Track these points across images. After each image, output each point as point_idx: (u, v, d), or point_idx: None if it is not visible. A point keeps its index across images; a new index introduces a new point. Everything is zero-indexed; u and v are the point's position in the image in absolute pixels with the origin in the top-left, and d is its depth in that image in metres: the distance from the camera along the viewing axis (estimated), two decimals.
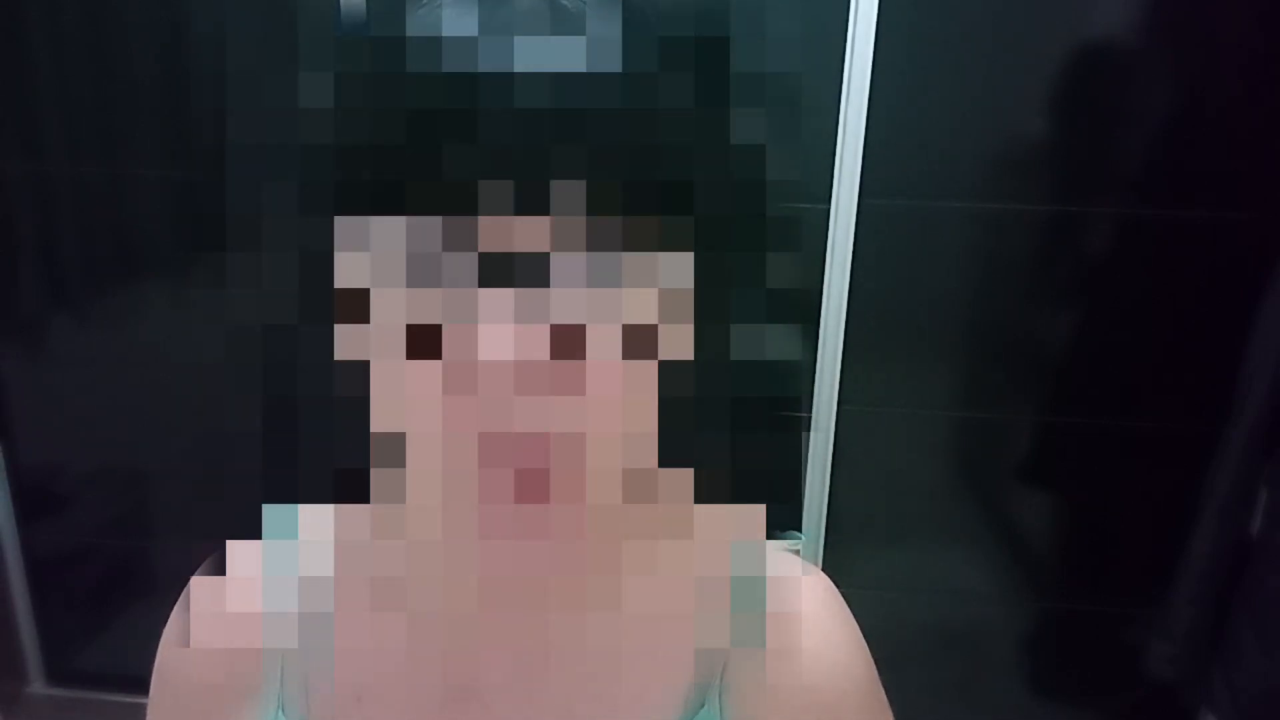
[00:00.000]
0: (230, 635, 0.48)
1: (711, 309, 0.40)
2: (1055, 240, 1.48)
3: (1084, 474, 1.58)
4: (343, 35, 0.39)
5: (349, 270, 0.38)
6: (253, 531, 0.46)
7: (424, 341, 0.38)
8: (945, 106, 1.42)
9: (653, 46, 0.38)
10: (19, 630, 1.84)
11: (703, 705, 0.48)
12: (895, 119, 1.41)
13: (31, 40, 1.52)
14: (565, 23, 0.38)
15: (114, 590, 1.82)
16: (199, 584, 0.49)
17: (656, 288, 0.38)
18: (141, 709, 0.51)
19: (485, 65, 0.36)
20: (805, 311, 1.48)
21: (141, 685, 0.51)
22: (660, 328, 0.39)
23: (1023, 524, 1.64)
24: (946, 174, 1.45)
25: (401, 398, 0.38)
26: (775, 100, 0.40)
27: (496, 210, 0.36)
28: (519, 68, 0.36)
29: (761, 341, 0.41)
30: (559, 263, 0.37)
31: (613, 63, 0.37)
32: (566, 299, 0.37)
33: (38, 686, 1.88)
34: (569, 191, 0.37)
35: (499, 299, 0.37)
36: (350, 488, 0.41)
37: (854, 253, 1.46)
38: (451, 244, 0.37)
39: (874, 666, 0.49)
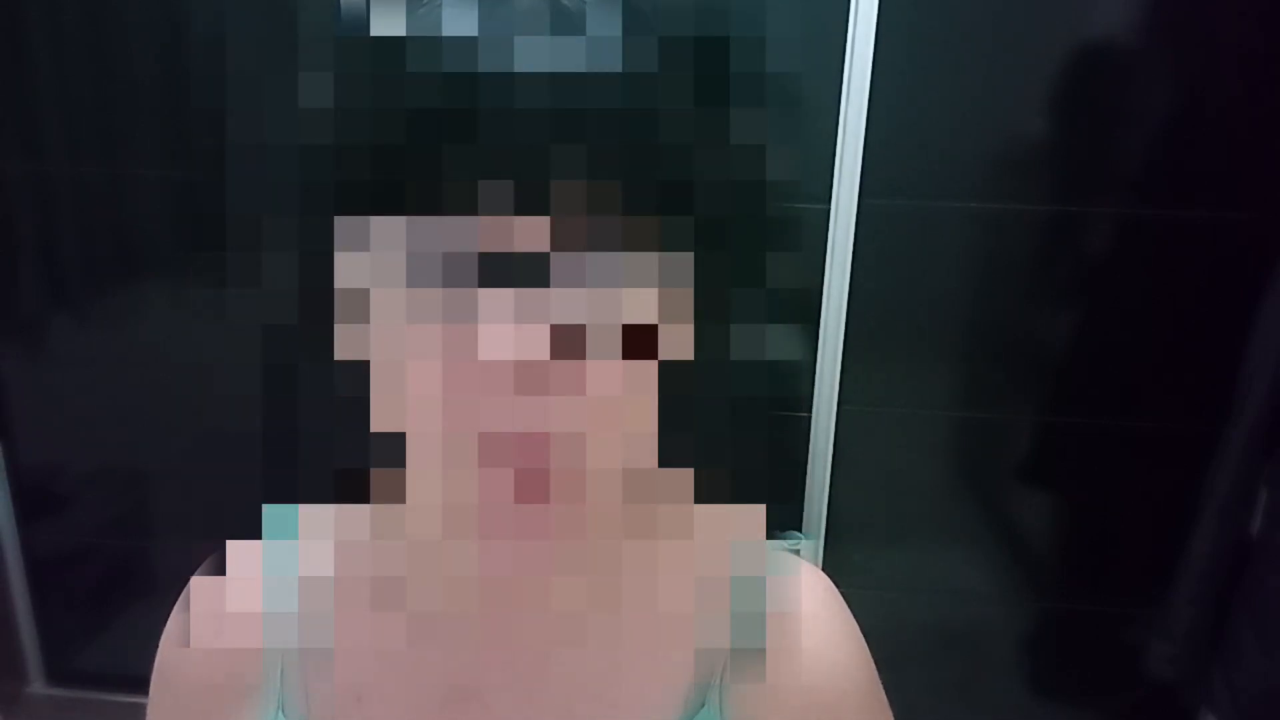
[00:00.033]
0: (230, 635, 0.48)
1: (711, 309, 0.40)
2: (1055, 240, 1.48)
3: (1084, 474, 1.58)
4: (343, 35, 0.39)
5: (349, 270, 0.38)
6: (253, 531, 0.46)
7: (424, 341, 0.38)
8: (945, 106, 1.42)
9: (653, 46, 0.38)
10: (19, 630, 1.84)
11: (703, 705, 0.48)
12: (895, 119, 1.41)
13: (31, 40, 1.52)
14: (565, 23, 0.38)
15: (114, 590, 1.82)
16: (199, 584, 0.49)
17: (656, 288, 0.38)
18: (141, 709, 0.51)
19: (485, 65, 0.36)
20: (805, 311, 1.48)
21: (141, 685, 0.51)
22: (660, 328, 0.39)
23: (1023, 524, 1.64)
24: (946, 174, 1.45)
25: (401, 398, 0.38)
26: (775, 100, 0.40)
27: (496, 210, 0.36)
28: (519, 68, 0.36)
29: (761, 341, 0.41)
30: (559, 263, 0.37)
31: (613, 63, 0.37)
32: (566, 299, 0.37)
33: (38, 686, 1.88)
34: (569, 191, 0.37)
35: (499, 299, 0.37)
36: (350, 488, 0.41)
37: (854, 253, 1.46)
38: (451, 244, 0.37)
39: (874, 666, 0.49)
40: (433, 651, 0.47)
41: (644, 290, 0.38)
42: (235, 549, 0.48)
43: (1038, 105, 1.42)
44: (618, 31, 0.38)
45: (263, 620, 0.48)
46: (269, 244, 0.40)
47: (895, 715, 0.49)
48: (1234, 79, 1.38)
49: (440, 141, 0.36)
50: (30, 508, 1.78)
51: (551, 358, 0.37)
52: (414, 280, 0.38)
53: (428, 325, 0.38)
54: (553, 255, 0.37)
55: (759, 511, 0.46)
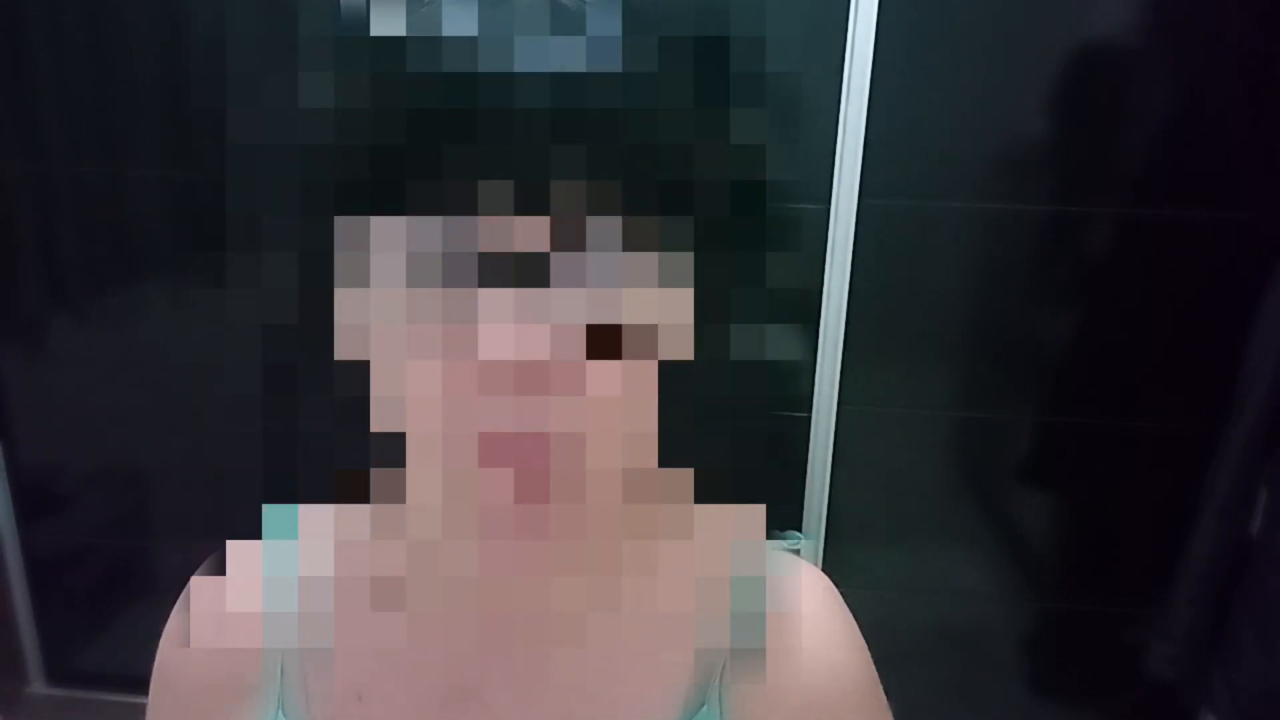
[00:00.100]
0: (230, 635, 0.48)
1: (711, 309, 0.40)
2: (1055, 240, 1.48)
3: (1084, 474, 1.58)
4: (343, 35, 0.39)
5: (349, 270, 0.38)
6: (253, 531, 0.46)
7: (424, 341, 0.38)
8: (945, 106, 1.42)
9: (653, 46, 0.38)
10: (19, 630, 1.84)
11: (702, 705, 0.48)
12: (895, 119, 1.41)
13: (31, 40, 1.52)
14: (565, 23, 0.38)
15: (114, 590, 1.82)
16: (199, 584, 0.49)
17: (656, 288, 0.38)
18: (141, 709, 0.51)
19: (485, 65, 0.36)
20: (805, 311, 1.48)
21: (141, 685, 0.51)
22: (660, 328, 0.39)
23: (1023, 524, 1.64)
24: (946, 174, 1.45)
25: (401, 398, 0.38)
26: (775, 100, 0.40)
27: (496, 210, 0.37)
28: (519, 68, 0.36)
29: (761, 341, 0.41)
30: (559, 263, 0.37)
31: (613, 63, 0.37)
32: (566, 299, 0.37)
33: (38, 686, 1.88)
34: (569, 191, 0.37)
35: (499, 299, 0.37)
36: (350, 488, 0.41)
37: (854, 253, 1.46)
38: (451, 244, 0.37)
39: (873, 666, 0.49)
40: (433, 651, 0.47)
41: (644, 290, 0.38)
42: (235, 549, 0.47)
43: (1038, 105, 1.42)
44: (618, 31, 0.38)
45: (263, 620, 0.48)
46: (269, 244, 0.40)
47: (895, 715, 0.49)
48: (1234, 79, 1.38)
49: (440, 141, 0.36)
50: (30, 508, 1.78)
51: (551, 358, 0.37)
52: (414, 280, 0.38)
53: (428, 325, 0.38)
54: (553, 255, 0.37)
55: (759, 511, 0.46)
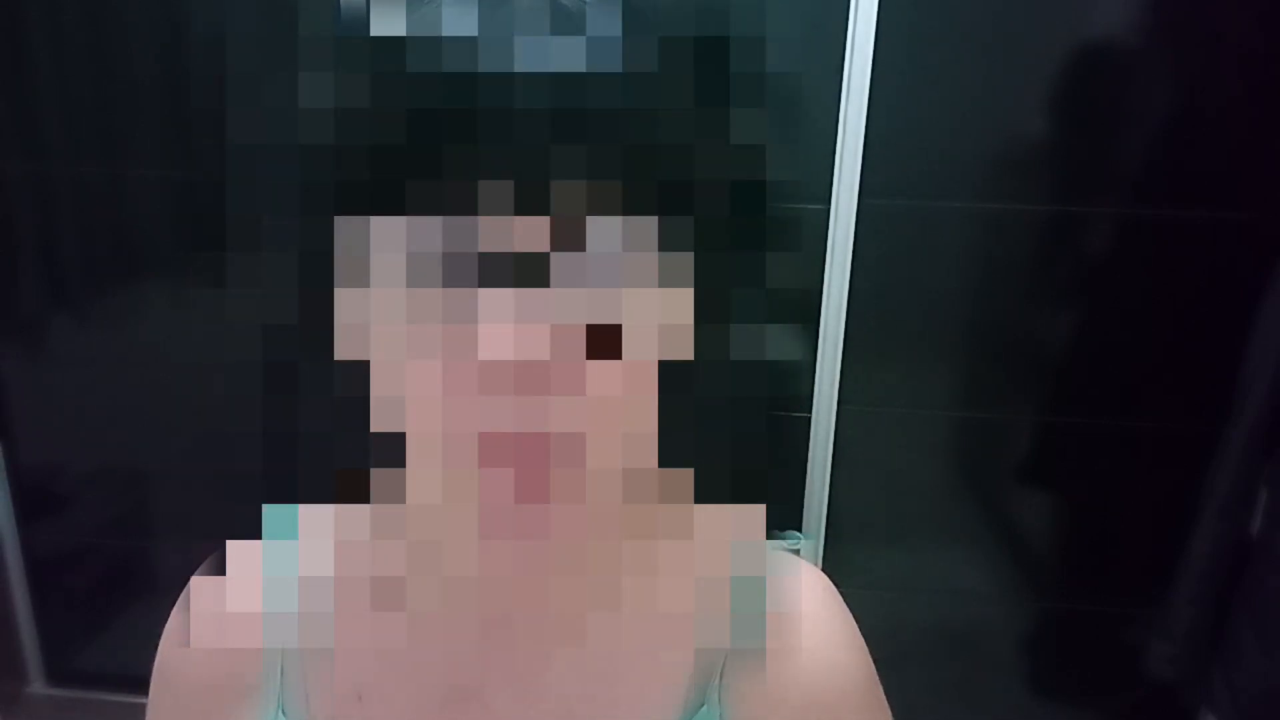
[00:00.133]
0: (230, 635, 0.48)
1: (711, 309, 0.40)
2: (1055, 240, 1.48)
3: (1084, 474, 1.58)
4: (343, 35, 0.39)
5: (349, 270, 0.38)
6: (253, 531, 0.46)
7: (424, 341, 0.38)
8: (945, 106, 1.42)
9: (653, 46, 0.38)
10: (19, 630, 1.84)
11: (702, 705, 0.48)
12: (895, 119, 1.41)
13: (31, 40, 1.52)
14: (565, 23, 0.38)
15: (114, 590, 1.82)
16: (199, 584, 0.49)
17: (656, 288, 0.39)
18: (141, 709, 0.51)
19: (485, 65, 0.36)
20: (805, 311, 1.48)
21: (141, 685, 0.51)
22: (660, 328, 0.39)
23: (1023, 524, 1.64)
24: (946, 174, 1.45)
25: (401, 398, 0.38)
26: (775, 100, 0.40)
27: (496, 210, 0.37)
28: (519, 68, 0.36)
29: (761, 341, 0.41)
30: (559, 263, 0.37)
31: (613, 63, 0.37)
32: (566, 299, 0.37)
33: (38, 686, 1.88)
34: (569, 191, 0.37)
35: (499, 299, 0.37)
36: (350, 488, 0.41)
37: (854, 253, 1.46)
38: (451, 244, 0.37)
39: (873, 666, 0.49)
40: (433, 651, 0.47)
41: (644, 290, 0.38)
42: (235, 549, 0.47)
43: (1038, 105, 1.42)
44: (618, 31, 0.38)
45: (263, 620, 0.48)
46: (269, 244, 0.40)
47: (895, 715, 0.49)
48: (1234, 79, 1.38)
49: (440, 141, 0.36)
50: (30, 508, 1.78)
51: (551, 358, 0.37)
52: (414, 280, 0.38)
53: (428, 325, 0.38)
54: (553, 255, 0.37)
55: (759, 511, 0.46)
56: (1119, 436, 1.54)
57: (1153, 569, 1.55)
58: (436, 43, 0.37)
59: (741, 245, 0.40)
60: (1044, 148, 1.44)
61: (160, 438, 1.69)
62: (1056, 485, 1.61)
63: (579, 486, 0.39)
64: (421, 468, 0.39)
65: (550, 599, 0.45)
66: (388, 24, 0.38)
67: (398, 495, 0.40)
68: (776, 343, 0.41)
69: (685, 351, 0.39)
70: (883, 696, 0.49)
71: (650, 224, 0.38)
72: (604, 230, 0.37)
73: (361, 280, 0.38)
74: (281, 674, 0.49)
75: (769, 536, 0.46)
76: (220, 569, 0.48)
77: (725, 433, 0.42)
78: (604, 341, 0.38)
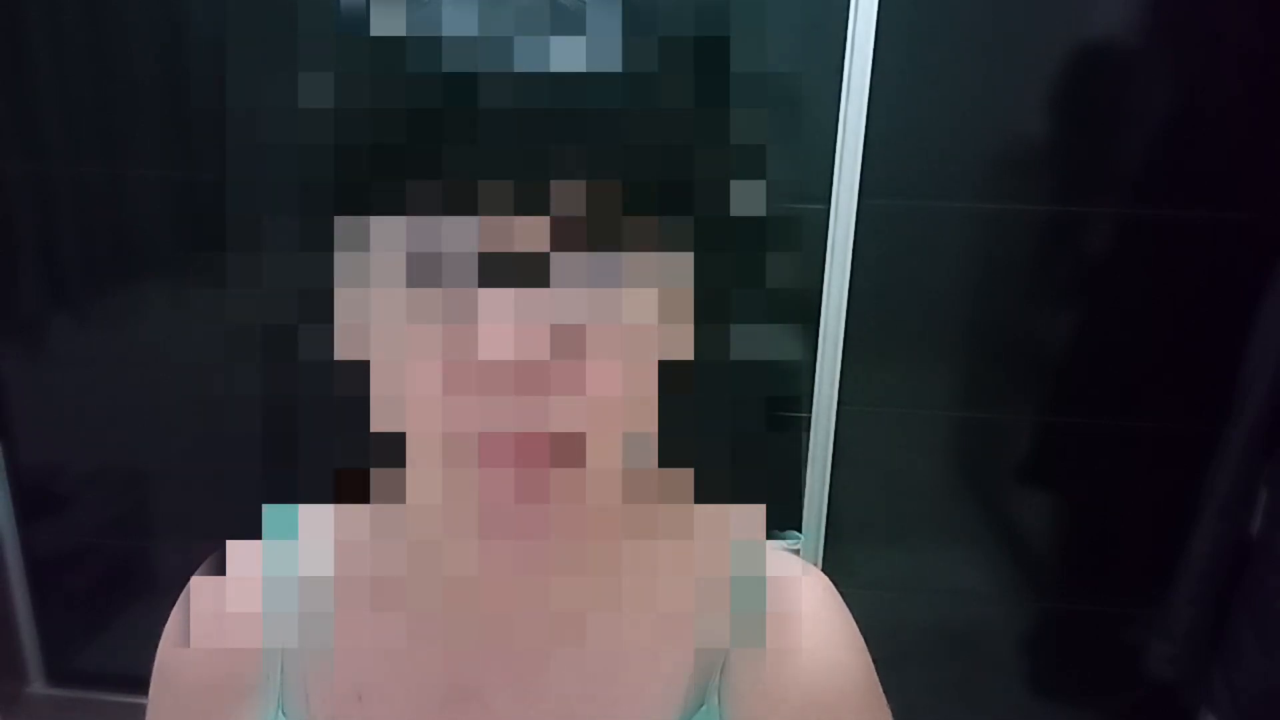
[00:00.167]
0: (230, 635, 0.48)
1: (711, 309, 0.40)
2: (1055, 240, 1.48)
3: (1084, 474, 1.58)
4: (343, 35, 0.39)
5: (349, 270, 0.38)
6: (253, 531, 0.46)
7: (424, 341, 0.38)
8: (945, 106, 1.42)
9: (653, 46, 0.38)
10: (19, 630, 1.84)
11: (702, 705, 0.48)
12: (895, 119, 1.41)
13: (31, 40, 1.52)
14: (565, 23, 0.38)
15: (114, 590, 1.82)
16: (199, 584, 0.49)
17: (656, 288, 0.39)
18: (141, 709, 0.51)
19: (485, 65, 0.36)
20: (805, 311, 1.48)
21: (141, 685, 0.51)
22: (660, 328, 0.39)
23: (1023, 524, 1.64)
24: (946, 174, 1.45)
25: (401, 398, 0.38)
26: (775, 100, 0.40)
27: (496, 210, 0.37)
28: (519, 68, 0.36)
29: (761, 341, 0.41)
30: (559, 263, 0.37)
31: (613, 63, 0.37)
32: (566, 299, 0.37)
33: (38, 686, 1.88)
34: (569, 191, 0.37)
35: (499, 299, 0.37)
36: (350, 488, 0.41)
37: (854, 253, 1.46)
38: (451, 244, 0.37)
39: (873, 666, 0.49)
40: (433, 651, 0.47)
41: (644, 290, 0.38)
42: (235, 549, 0.47)
43: (1038, 105, 1.42)
44: (618, 31, 0.38)
45: (263, 620, 0.48)
46: (269, 244, 0.40)
47: (895, 715, 0.49)
48: (1234, 79, 1.38)
49: (440, 141, 0.36)
50: (30, 508, 1.78)
51: (551, 358, 0.37)
52: (414, 280, 0.38)
53: (428, 325, 0.38)
54: (553, 255, 0.37)
55: (759, 511, 0.46)
56: (1119, 436, 1.54)
57: (1153, 569, 1.55)
58: (436, 43, 0.37)
59: (741, 245, 0.40)
60: (1044, 148, 1.44)
61: (160, 438, 1.68)
62: (1056, 485, 1.61)
63: (579, 486, 0.39)
64: (421, 468, 0.39)
65: (550, 599, 0.45)
66: (388, 24, 0.38)
67: (398, 495, 0.40)
68: (776, 343, 0.41)
69: (685, 351, 0.39)
70: (883, 696, 0.49)
71: (650, 224, 0.38)
72: (604, 230, 0.37)
73: (361, 280, 0.38)
74: (281, 674, 0.49)
75: (769, 536, 0.46)
76: (220, 569, 0.48)
77: (725, 433, 0.42)
78: (604, 341, 0.38)
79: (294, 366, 0.40)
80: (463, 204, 0.36)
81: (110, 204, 1.60)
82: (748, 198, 0.40)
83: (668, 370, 0.39)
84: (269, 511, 0.47)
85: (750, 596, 0.46)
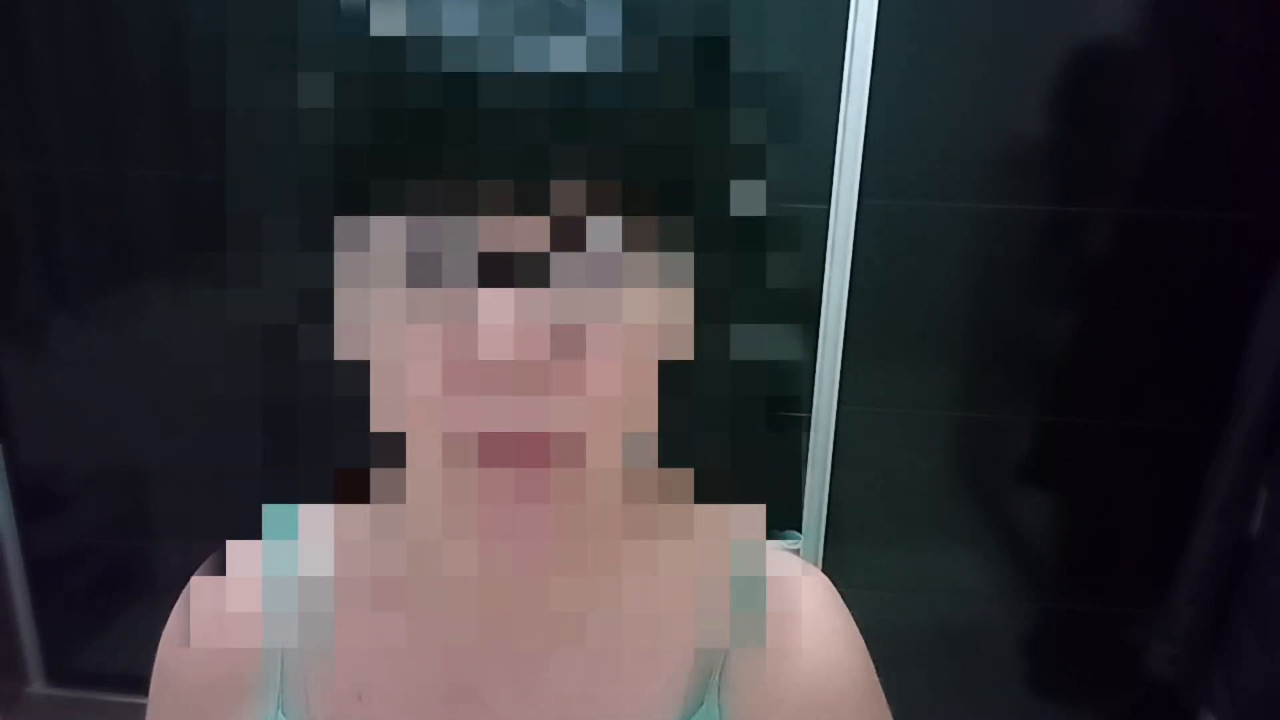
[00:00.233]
0: (230, 635, 0.48)
1: (711, 309, 0.40)
2: (1055, 240, 1.48)
3: (1084, 474, 1.58)
4: (343, 35, 0.39)
5: (349, 270, 0.38)
6: (253, 531, 0.46)
7: (424, 341, 0.38)
8: (945, 106, 1.42)
9: (653, 46, 0.38)
10: (19, 630, 1.84)
11: (701, 704, 0.48)
12: (895, 119, 1.41)
13: (31, 40, 1.52)
14: (565, 23, 0.38)
15: (114, 590, 1.82)
16: (199, 584, 0.49)
17: (656, 288, 0.39)
18: (141, 709, 0.51)
19: (485, 65, 0.36)
20: (805, 311, 1.48)
21: (141, 685, 0.51)
22: (660, 328, 0.39)
23: (1023, 524, 1.64)
24: (946, 174, 1.45)
25: (401, 398, 0.38)
26: (775, 100, 0.40)
27: (496, 210, 0.37)
28: (519, 68, 0.36)
29: (761, 341, 0.41)
30: (559, 263, 0.37)
31: (613, 63, 0.37)
32: (566, 299, 0.37)
33: (38, 686, 1.88)
34: (569, 191, 0.37)
35: (499, 299, 0.37)
36: (350, 488, 0.41)
37: (854, 253, 1.46)
38: (451, 244, 0.37)
39: (873, 666, 0.49)
40: (433, 651, 0.47)
41: (644, 290, 0.38)
42: (235, 549, 0.47)
43: (1038, 105, 1.42)
44: (618, 31, 0.38)
45: (263, 620, 0.48)
46: (269, 244, 0.40)
47: (895, 715, 0.49)
48: (1234, 79, 1.38)
49: (440, 141, 0.36)
50: (30, 508, 1.78)
51: (551, 358, 0.37)
52: (414, 280, 0.38)
53: (428, 325, 0.38)
54: (553, 255, 0.37)
55: (759, 511, 0.46)
56: (1119, 436, 1.54)
57: (1153, 569, 1.55)
58: (436, 43, 0.37)
59: (741, 245, 0.40)
60: (1044, 148, 1.44)
61: (160, 438, 1.68)
62: (1056, 485, 1.61)
63: (579, 486, 0.39)
64: (421, 468, 0.39)
65: (550, 599, 0.45)
66: (388, 24, 0.38)
67: (398, 495, 0.40)
68: (776, 343, 0.41)
69: (685, 351, 0.39)
70: (883, 696, 0.49)
71: (650, 224, 0.38)
72: (604, 230, 0.37)
73: (361, 280, 0.38)
74: (281, 674, 0.49)
75: (769, 536, 0.46)
76: (220, 569, 0.48)
77: (725, 433, 0.42)
78: (604, 342, 0.38)
79: (294, 366, 0.40)
80: (463, 204, 0.36)
81: (110, 204, 1.60)
82: (748, 198, 0.40)
83: (668, 370, 0.39)
84: (269, 511, 0.47)
85: (750, 596, 0.46)
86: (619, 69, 0.37)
